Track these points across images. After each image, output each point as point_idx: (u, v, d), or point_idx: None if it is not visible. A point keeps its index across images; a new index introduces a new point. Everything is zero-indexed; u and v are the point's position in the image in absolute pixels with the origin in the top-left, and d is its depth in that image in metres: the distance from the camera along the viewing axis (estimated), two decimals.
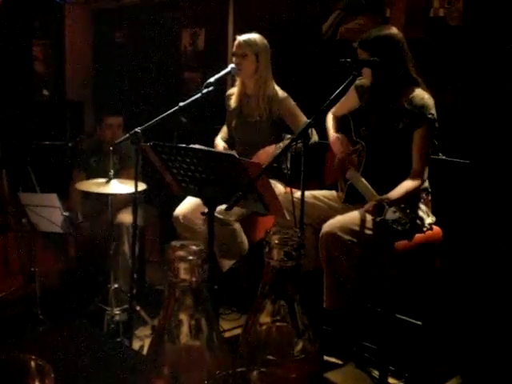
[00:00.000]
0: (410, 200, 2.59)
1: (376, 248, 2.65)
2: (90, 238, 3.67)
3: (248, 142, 3.33)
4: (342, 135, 3.03)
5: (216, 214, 2.67)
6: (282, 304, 0.72)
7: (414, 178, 2.65)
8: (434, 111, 2.66)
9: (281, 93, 3.29)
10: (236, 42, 3.24)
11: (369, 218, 2.63)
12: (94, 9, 5.59)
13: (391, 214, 2.36)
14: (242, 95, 3.39)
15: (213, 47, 4.65)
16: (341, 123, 3.10)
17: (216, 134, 3.55)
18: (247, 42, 3.21)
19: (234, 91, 3.46)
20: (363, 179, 2.73)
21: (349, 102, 3.00)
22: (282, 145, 3.18)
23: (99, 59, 5.62)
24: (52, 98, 5.55)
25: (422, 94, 2.68)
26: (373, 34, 2.70)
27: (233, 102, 3.44)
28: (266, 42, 3.26)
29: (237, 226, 3.15)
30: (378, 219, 2.50)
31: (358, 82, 2.91)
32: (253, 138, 3.31)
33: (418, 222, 2.68)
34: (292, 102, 3.29)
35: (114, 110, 3.88)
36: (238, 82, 3.40)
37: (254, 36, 3.23)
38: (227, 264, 3.20)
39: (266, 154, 3.17)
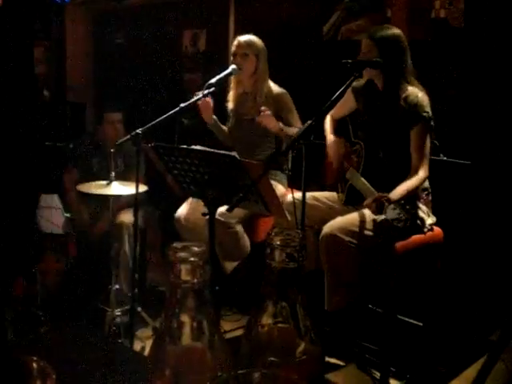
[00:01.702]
0: (410, 197, 2.58)
1: (376, 249, 2.65)
2: (90, 238, 3.67)
3: (245, 141, 3.34)
4: (338, 139, 3.03)
5: (217, 217, 2.66)
6: (283, 305, 0.72)
7: (414, 176, 2.64)
8: (428, 109, 2.65)
9: (277, 88, 3.31)
10: (236, 42, 3.26)
11: (369, 219, 2.63)
12: (94, 10, 5.59)
13: (391, 212, 2.36)
14: (239, 95, 3.40)
15: (214, 48, 4.66)
16: (339, 125, 3.10)
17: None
18: (248, 43, 3.23)
19: (230, 94, 3.47)
20: (363, 179, 2.73)
21: (346, 103, 2.99)
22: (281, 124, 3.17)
23: (100, 60, 5.63)
24: (53, 99, 5.56)
25: (415, 93, 2.67)
26: (381, 33, 2.69)
27: (230, 103, 3.45)
28: (263, 43, 3.30)
29: (239, 228, 3.15)
30: (378, 220, 2.50)
31: (354, 83, 2.91)
32: (250, 136, 3.32)
33: (419, 222, 2.68)
34: (289, 98, 3.31)
35: (113, 106, 3.87)
36: (233, 83, 3.41)
37: (253, 37, 3.27)
38: (230, 266, 3.20)
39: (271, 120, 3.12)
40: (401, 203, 2.35)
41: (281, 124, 3.17)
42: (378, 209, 2.39)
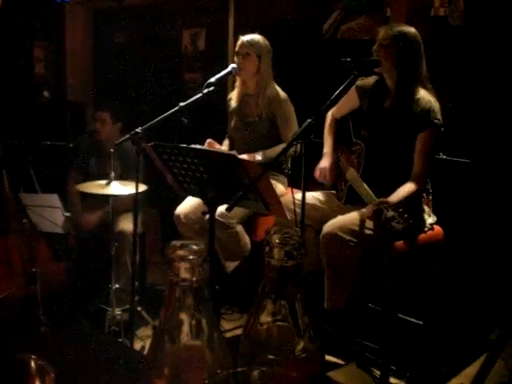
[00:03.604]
0: (411, 204, 2.57)
1: (377, 248, 2.65)
2: (90, 238, 3.67)
3: (247, 142, 3.33)
4: (328, 163, 3.00)
5: (217, 218, 2.66)
6: (282, 303, 0.72)
7: (414, 182, 2.61)
8: (439, 116, 2.62)
9: (282, 94, 3.29)
10: (239, 42, 3.24)
11: None
12: (94, 9, 5.59)
13: (389, 217, 2.35)
14: (243, 95, 3.39)
15: (213, 47, 4.66)
16: (340, 123, 3.09)
17: (216, 134, 3.55)
18: (250, 43, 3.21)
19: (234, 93, 3.46)
20: (362, 182, 2.71)
21: (349, 102, 2.98)
22: (261, 153, 3.19)
23: (100, 60, 5.62)
24: (53, 99, 5.56)
25: (428, 97, 2.64)
26: (401, 28, 2.65)
27: (233, 103, 3.44)
28: (268, 43, 3.26)
29: (239, 228, 3.15)
30: (376, 223, 2.49)
31: (359, 82, 2.89)
32: (252, 138, 3.31)
33: (419, 222, 2.68)
34: (290, 106, 3.28)
35: (102, 105, 3.85)
36: (238, 83, 3.40)
37: (257, 37, 3.23)
38: (231, 266, 3.20)
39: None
40: (399, 211, 2.33)
41: (258, 157, 3.17)
42: (377, 217, 2.39)
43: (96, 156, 3.79)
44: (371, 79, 2.88)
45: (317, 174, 3.00)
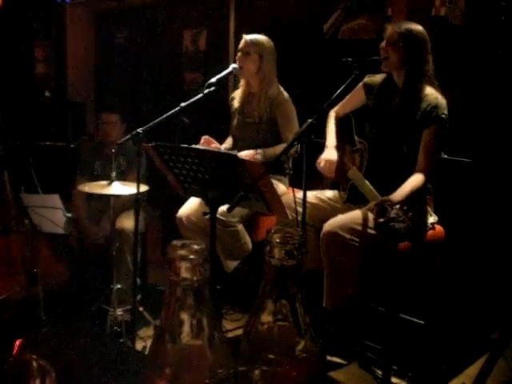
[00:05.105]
0: (415, 204, 2.56)
1: (378, 247, 2.64)
2: (92, 239, 3.67)
3: (248, 143, 3.33)
4: (336, 156, 2.94)
5: (218, 216, 2.66)
6: (283, 303, 0.72)
7: (419, 174, 2.61)
8: (446, 111, 2.63)
9: (284, 94, 3.28)
10: (242, 40, 3.26)
11: (371, 217, 2.61)
12: (94, 10, 5.60)
13: (393, 216, 2.34)
14: (246, 95, 3.39)
15: (214, 48, 4.66)
16: (341, 122, 3.09)
17: (217, 134, 3.55)
18: (252, 42, 3.22)
19: (237, 93, 3.46)
20: (365, 180, 2.71)
21: (355, 99, 2.98)
22: (261, 151, 3.19)
23: (100, 60, 5.63)
24: (53, 99, 5.57)
25: (435, 94, 2.65)
26: (408, 26, 2.66)
27: (236, 102, 3.44)
28: (272, 44, 3.27)
29: (240, 227, 3.15)
30: (380, 220, 2.48)
31: (367, 79, 2.90)
32: (253, 138, 3.31)
33: (423, 223, 2.68)
34: (291, 107, 3.28)
35: (110, 107, 3.84)
36: (242, 82, 3.40)
37: (261, 37, 3.25)
38: (232, 265, 3.20)
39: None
40: (404, 209, 2.33)
41: (258, 155, 3.17)
42: (381, 213, 2.38)
43: (99, 159, 3.78)
44: (379, 77, 2.88)
45: (321, 164, 2.91)
